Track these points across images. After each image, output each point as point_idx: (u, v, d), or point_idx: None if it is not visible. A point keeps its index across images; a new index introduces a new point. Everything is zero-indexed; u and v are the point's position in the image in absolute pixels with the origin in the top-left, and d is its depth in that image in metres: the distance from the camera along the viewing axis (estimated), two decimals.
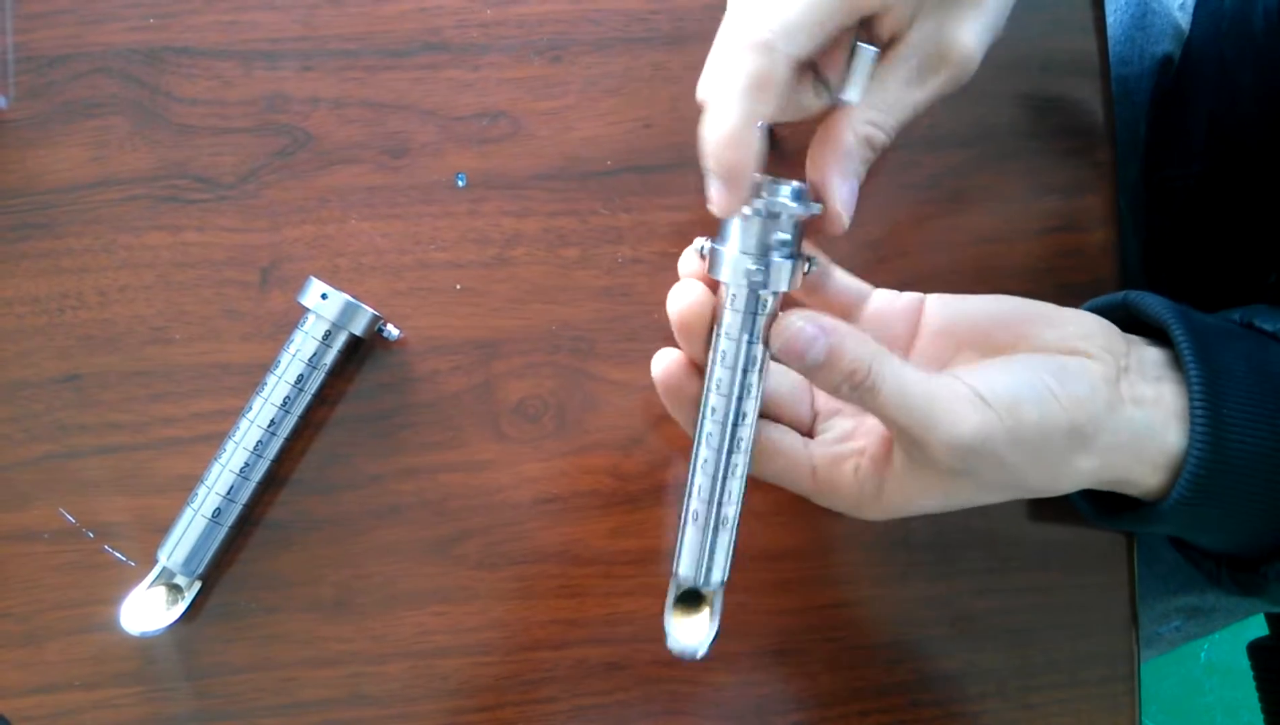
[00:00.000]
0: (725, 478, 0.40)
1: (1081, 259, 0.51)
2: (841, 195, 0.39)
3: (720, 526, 0.41)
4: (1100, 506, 0.46)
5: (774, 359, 0.39)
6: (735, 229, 0.38)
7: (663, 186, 0.50)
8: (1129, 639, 0.49)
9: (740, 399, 0.39)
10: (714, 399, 0.40)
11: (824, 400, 0.45)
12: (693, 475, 0.41)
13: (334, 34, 0.50)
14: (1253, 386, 0.40)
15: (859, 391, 0.37)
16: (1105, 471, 0.40)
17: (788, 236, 0.38)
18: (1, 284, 0.49)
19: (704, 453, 0.40)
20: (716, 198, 0.36)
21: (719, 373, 0.39)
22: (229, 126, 0.49)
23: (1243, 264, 0.68)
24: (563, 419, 0.49)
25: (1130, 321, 0.44)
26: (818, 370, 0.37)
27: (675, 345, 0.40)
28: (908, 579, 0.49)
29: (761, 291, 0.38)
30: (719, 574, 0.41)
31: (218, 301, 0.49)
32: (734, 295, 0.39)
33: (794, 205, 0.37)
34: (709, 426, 0.40)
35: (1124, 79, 0.71)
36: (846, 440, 0.43)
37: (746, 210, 0.37)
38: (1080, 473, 0.39)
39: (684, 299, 0.39)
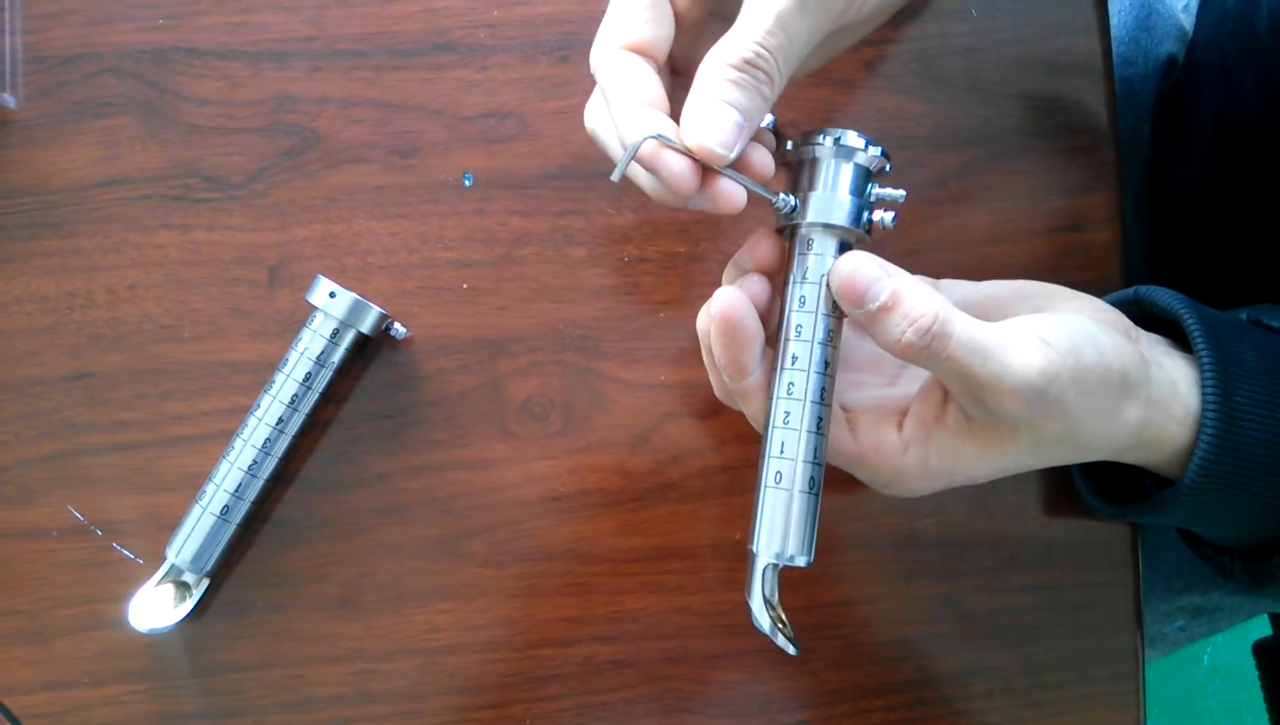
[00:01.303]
0: (809, 433, 0.37)
1: (1086, 258, 0.51)
2: (692, 124, 0.35)
3: (809, 490, 0.37)
4: (1109, 497, 0.46)
5: (837, 298, 0.37)
6: (816, 171, 0.38)
7: None
8: (1134, 637, 0.49)
9: (823, 345, 0.37)
10: (795, 347, 0.37)
11: (842, 376, 0.44)
12: (769, 435, 0.37)
13: (342, 34, 0.50)
14: (1263, 376, 0.40)
15: (927, 337, 0.35)
16: (1145, 427, 0.39)
17: (861, 180, 0.37)
18: (11, 282, 0.49)
19: (784, 407, 0.37)
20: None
21: (798, 319, 0.37)
22: (237, 126, 0.50)
23: (1247, 265, 0.68)
24: (569, 417, 0.49)
25: (1139, 320, 0.44)
26: (881, 314, 0.35)
27: (684, 345, 0.40)
28: (914, 578, 0.49)
29: (844, 232, 0.37)
30: (810, 545, 0.37)
31: (226, 300, 0.49)
32: (811, 239, 0.37)
33: (856, 141, 0.37)
34: (789, 377, 0.37)
35: (1128, 80, 0.71)
36: (880, 406, 0.41)
37: (813, 151, 0.37)
38: (1127, 423, 0.39)
39: (731, 299, 0.37)
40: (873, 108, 0.51)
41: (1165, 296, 0.43)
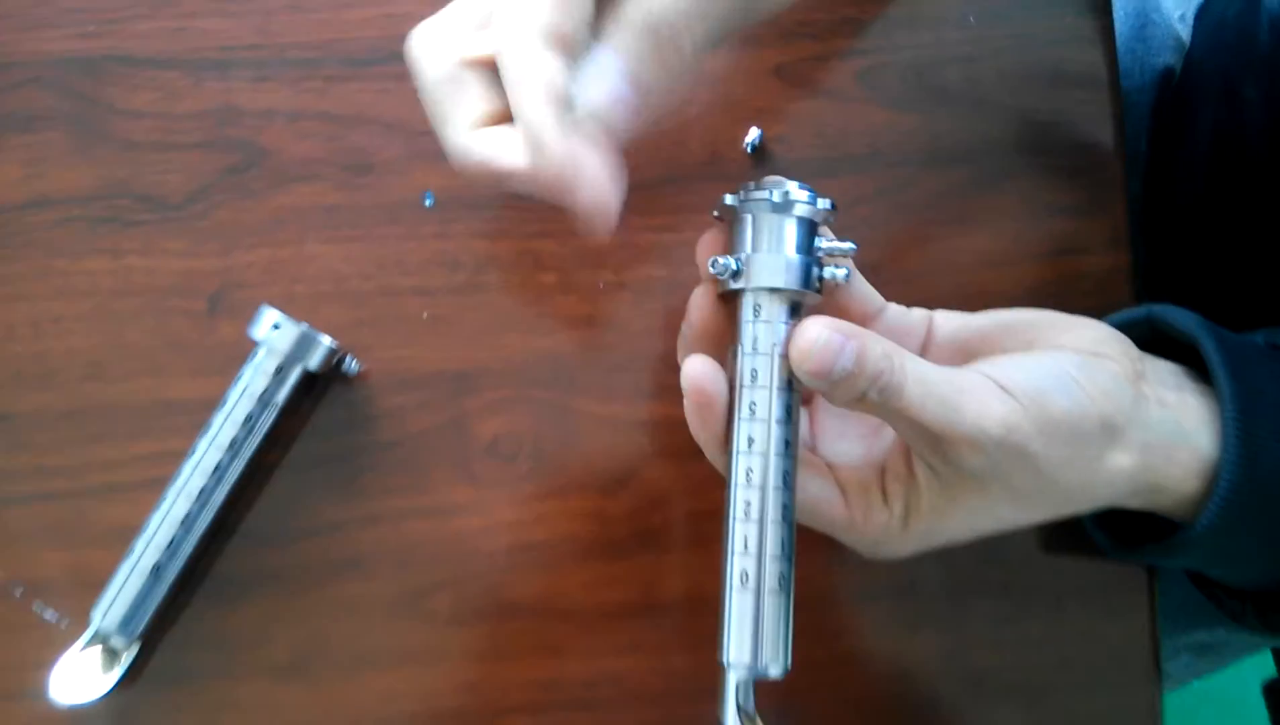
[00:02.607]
0: (774, 524, 0.34)
1: (1091, 283, 0.48)
2: (599, 86, 0.32)
3: (779, 588, 0.34)
4: (1120, 538, 0.43)
5: (801, 376, 0.34)
6: (754, 230, 0.34)
7: (649, 205, 0.46)
8: (1150, 692, 0.46)
9: (782, 424, 0.34)
10: (749, 428, 0.34)
11: (820, 430, 0.41)
12: (730, 528, 0.34)
13: (292, 42, 0.46)
14: None
15: (885, 394, 0.33)
16: (1141, 473, 0.37)
17: (807, 235, 0.34)
18: None
19: (743, 495, 0.34)
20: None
21: (751, 396, 0.34)
22: (176, 142, 0.46)
23: (1251, 284, 0.66)
24: (540, 459, 0.45)
25: (1149, 343, 0.41)
26: (844, 381, 0.33)
27: (666, 378, 0.37)
28: (917, 630, 0.45)
29: (792, 293, 0.34)
30: (785, 652, 0.34)
31: (162, 333, 0.45)
32: (759, 305, 0.34)
33: (800, 194, 0.34)
34: (746, 462, 0.34)
35: (1124, 92, 0.69)
36: (864, 465, 0.39)
37: (753, 208, 0.34)
38: (1115, 472, 0.36)
39: (700, 369, 0.35)
40: (863, 122, 0.48)
41: (1182, 318, 0.41)
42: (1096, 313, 0.46)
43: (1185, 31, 0.72)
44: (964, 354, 0.39)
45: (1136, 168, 0.71)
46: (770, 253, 0.34)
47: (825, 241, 0.35)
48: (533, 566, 0.45)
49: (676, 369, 0.45)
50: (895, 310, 0.41)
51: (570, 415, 0.45)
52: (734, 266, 0.34)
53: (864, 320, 0.40)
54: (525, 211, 0.46)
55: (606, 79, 0.32)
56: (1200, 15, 0.71)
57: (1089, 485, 0.36)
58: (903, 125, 0.48)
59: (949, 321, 0.41)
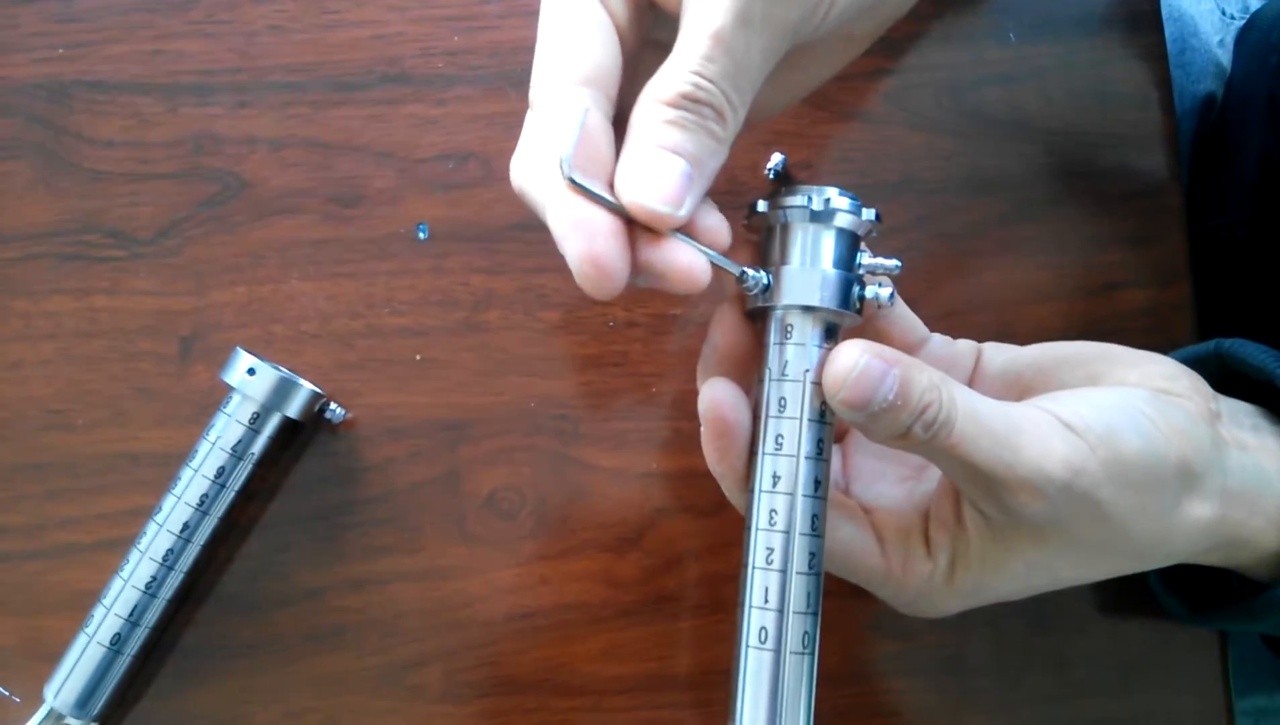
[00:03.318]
0: (800, 574, 0.29)
1: (1152, 320, 0.44)
2: (628, 178, 0.27)
3: (802, 649, 0.29)
4: (1189, 599, 0.39)
5: (835, 407, 0.30)
6: (790, 241, 0.30)
7: None
8: None
9: (812, 460, 0.30)
10: (774, 464, 0.30)
11: (854, 471, 0.37)
12: (749, 578, 0.30)
13: (275, 64, 0.43)
14: None
15: (932, 430, 0.29)
16: (1220, 526, 0.33)
17: (848, 249, 0.30)
18: None
19: (765, 540, 0.29)
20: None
21: (777, 427, 0.30)
22: (149, 172, 0.42)
23: None
24: (543, 515, 0.41)
25: (1218, 380, 0.37)
26: (887, 412, 0.29)
27: (681, 425, 0.33)
28: (963, 711, 0.41)
29: (828, 313, 0.30)
30: (807, 723, 0.29)
31: (129, 378, 0.41)
32: (790, 325, 0.30)
33: (841, 201, 0.30)
34: (770, 503, 0.30)
35: None
36: (905, 510, 0.35)
37: (788, 216, 0.30)
38: (1193, 523, 0.32)
39: (720, 394, 0.31)
40: (896, 146, 0.44)
41: (1255, 352, 0.37)
42: (1155, 350, 0.42)
43: (1225, 57, 0.69)
44: (1017, 390, 0.36)
45: (1183, 199, 0.67)
46: (805, 267, 0.30)
47: (867, 257, 0.31)
48: (534, 636, 0.40)
49: (693, 415, 0.41)
50: (939, 341, 0.37)
51: (576, 467, 0.41)
52: (765, 280, 0.30)
53: (906, 350, 0.36)
54: (527, 245, 0.42)
55: (652, 164, 0.28)
56: (1241, 39, 0.67)
57: (1163, 538, 0.32)
58: (938, 149, 0.44)
59: (999, 354, 0.37)
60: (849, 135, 0.44)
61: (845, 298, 0.30)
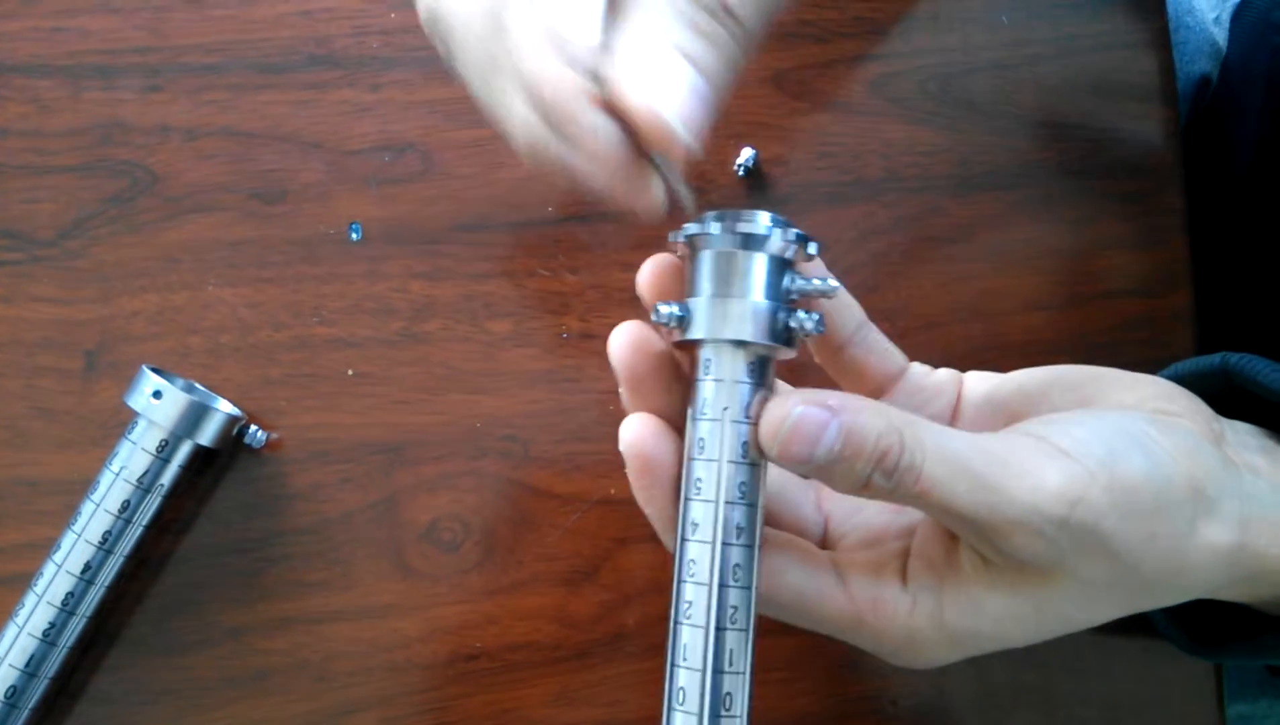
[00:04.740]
0: (723, 629, 0.27)
1: (1151, 331, 0.41)
2: (648, 79, 0.24)
3: (721, 708, 0.27)
4: (1196, 635, 0.37)
5: (774, 462, 0.27)
6: (706, 269, 0.27)
7: (620, 239, 0.39)
8: None
9: (733, 505, 0.27)
10: (694, 510, 0.27)
11: (835, 497, 0.34)
12: (675, 631, 0.27)
13: (190, 44, 0.39)
14: None
15: (896, 478, 0.26)
16: (1240, 555, 0.30)
17: (772, 276, 0.27)
18: None
19: (688, 593, 0.27)
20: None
21: (697, 470, 0.27)
22: (48, 165, 0.38)
23: None
24: (489, 547, 0.38)
25: (1223, 395, 0.35)
26: (836, 466, 0.26)
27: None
28: None
29: (752, 346, 0.27)
30: None
31: (28, 396, 0.37)
32: (708, 359, 0.27)
33: (770, 228, 0.27)
34: (689, 552, 0.27)
35: None
36: (878, 543, 0.32)
37: (708, 242, 0.27)
38: (1211, 554, 0.29)
39: (640, 430, 0.28)
40: (878, 140, 0.40)
41: (1266, 370, 0.34)
42: (1155, 364, 0.39)
43: (1221, 36, 0.66)
44: (1003, 419, 0.33)
45: (1187, 200, 0.65)
46: (718, 297, 0.27)
47: (798, 280, 0.27)
48: (479, 679, 0.37)
49: None
50: (918, 371, 0.34)
51: (525, 493, 0.38)
52: (678, 312, 0.27)
53: (883, 382, 0.33)
54: (471, 247, 0.38)
55: (669, 72, 0.24)
56: (1237, 17, 0.64)
57: (1178, 570, 0.29)
58: (924, 144, 0.40)
59: (982, 382, 0.34)
60: (828, 127, 0.40)
61: (771, 328, 0.27)
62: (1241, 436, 0.33)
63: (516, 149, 0.26)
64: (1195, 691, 0.39)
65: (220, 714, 0.36)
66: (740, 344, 0.27)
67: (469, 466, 0.38)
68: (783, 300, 0.27)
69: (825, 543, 0.33)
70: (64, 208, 0.38)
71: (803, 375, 0.36)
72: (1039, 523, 0.26)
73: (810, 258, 0.28)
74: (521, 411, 0.38)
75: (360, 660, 0.37)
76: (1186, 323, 0.41)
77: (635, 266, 0.38)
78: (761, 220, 0.27)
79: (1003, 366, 0.38)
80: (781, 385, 0.30)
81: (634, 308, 0.39)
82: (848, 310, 0.31)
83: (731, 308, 0.27)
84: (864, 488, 0.26)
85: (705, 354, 0.27)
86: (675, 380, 0.29)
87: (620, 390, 0.29)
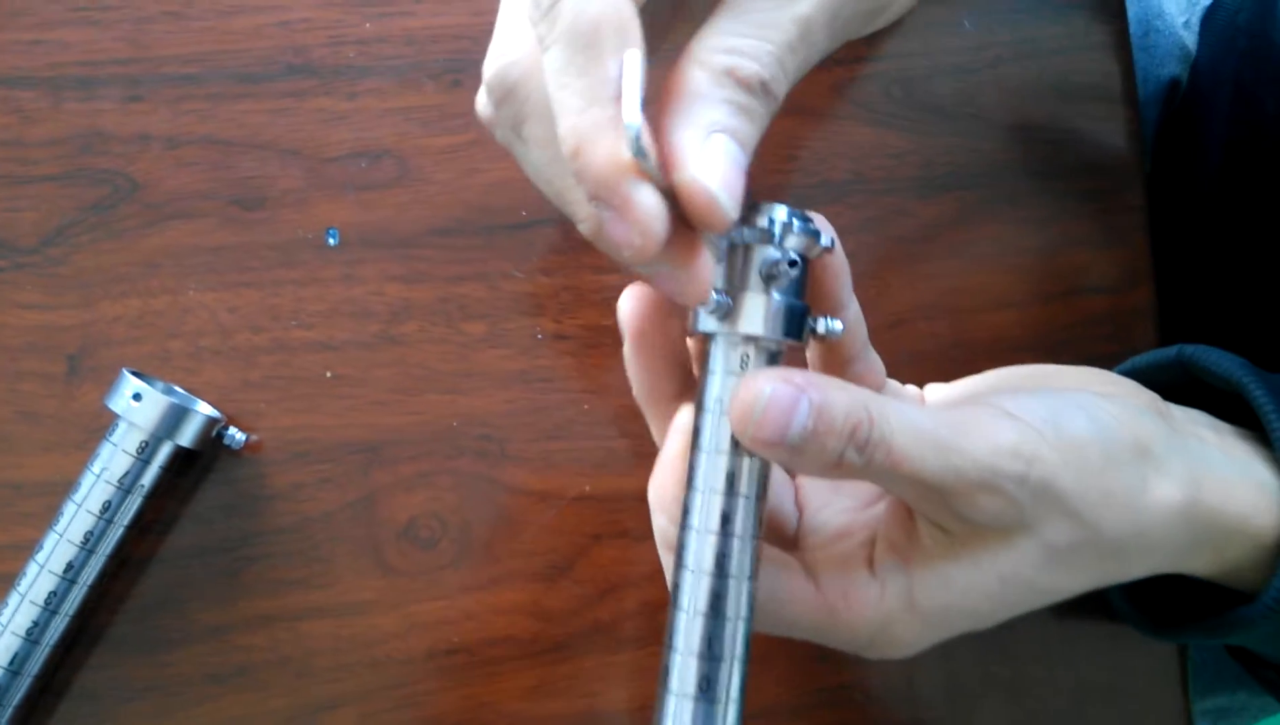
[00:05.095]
0: (699, 615, 0.27)
1: (1112, 327, 0.42)
2: (695, 156, 0.24)
3: (729, 700, 0.27)
4: (1156, 617, 0.37)
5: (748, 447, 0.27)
6: (740, 264, 0.28)
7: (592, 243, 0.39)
8: None
9: (722, 495, 0.27)
10: (687, 498, 0.28)
11: (808, 495, 0.34)
12: (684, 625, 0.27)
13: (169, 54, 0.39)
14: None
15: (868, 453, 0.26)
16: (1196, 511, 0.30)
17: (789, 269, 0.27)
18: None
19: (675, 578, 0.27)
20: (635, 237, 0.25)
21: (693, 460, 0.28)
22: (29, 174, 0.39)
23: (1270, 308, 0.60)
24: (466, 544, 0.38)
25: (1181, 388, 0.36)
26: (809, 444, 0.26)
27: (614, 445, 0.29)
28: None
29: (758, 340, 0.27)
30: None
31: (11, 401, 0.38)
32: (712, 351, 0.27)
33: (785, 219, 0.27)
34: (683, 539, 0.28)
35: None
36: (843, 539, 0.32)
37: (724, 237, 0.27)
38: (1166, 510, 0.30)
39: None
40: (844, 142, 0.41)
41: (1221, 360, 0.35)
42: (1115, 357, 0.40)
43: (1191, 39, 0.66)
44: None
45: (1148, 198, 0.66)
46: (741, 291, 0.27)
47: (814, 322, 0.28)
48: (457, 674, 0.38)
49: (628, 433, 0.39)
50: (893, 386, 0.35)
51: (502, 491, 0.39)
52: (717, 300, 0.27)
53: None
54: (446, 251, 0.39)
55: (713, 149, 0.24)
56: (1206, 20, 0.65)
57: (1138, 529, 0.30)
58: (889, 146, 0.41)
59: (939, 392, 0.35)
60: (794, 130, 0.41)
61: (793, 329, 0.27)
62: (1190, 415, 0.34)
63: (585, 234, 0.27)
64: (1160, 679, 0.40)
65: (202, 710, 0.37)
66: (759, 340, 0.27)
67: (446, 465, 0.39)
68: (792, 287, 0.27)
69: (796, 541, 0.33)
70: (46, 216, 0.38)
71: None
72: (1001, 481, 0.27)
73: (828, 250, 0.28)
74: (497, 411, 0.39)
75: (339, 656, 0.37)
76: (1149, 319, 0.42)
77: (606, 269, 0.40)
78: (779, 215, 0.27)
79: (965, 362, 0.39)
80: None
81: (605, 311, 0.40)
82: (860, 329, 0.32)
83: (766, 305, 0.27)
84: (836, 466, 0.26)
85: (710, 347, 0.27)
86: (676, 351, 0.30)
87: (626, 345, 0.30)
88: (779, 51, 0.26)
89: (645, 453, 0.39)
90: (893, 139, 0.41)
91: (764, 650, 0.39)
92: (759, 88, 0.25)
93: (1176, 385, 0.35)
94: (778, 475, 0.33)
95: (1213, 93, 0.62)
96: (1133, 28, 0.67)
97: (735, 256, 0.27)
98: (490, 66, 0.27)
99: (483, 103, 0.29)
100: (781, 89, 0.26)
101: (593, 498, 0.39)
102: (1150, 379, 0.35)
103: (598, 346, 0.39)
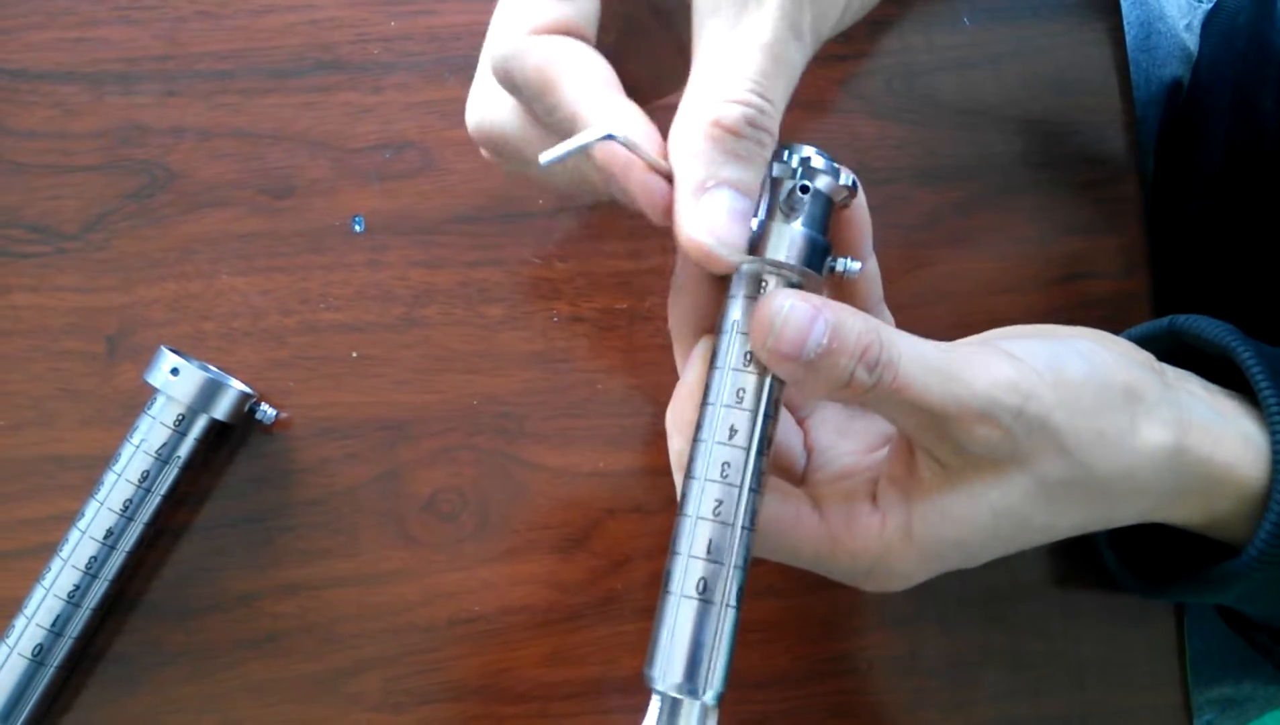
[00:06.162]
0: (701, 519, 0.28)
1: (1109, 311, 0.43)
2: (688, 215, 0.26)
3: (725, 604, 0.27)
4: (1147, 574, 0.38)
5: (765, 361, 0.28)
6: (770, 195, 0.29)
7: (607, 229, 0.41)
8: None
9: (731, 409, 0.28)
10: (703, 414, 0.29)
11: (816, 437, 0.36)
12: (687, 529, 0.28)
13: (204, 51, 0.41)
14: None
15: (876, 374, 0.27)
16: (1184, 458, 0.31)
17: (802, 195, 0.28)
18: None
19: (713, 492, 0.28)
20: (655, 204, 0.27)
21: (710, 378, 0.29)
22: (73, 164, 0.41)
23: (1270, 305, 0.61)
24: (486, 517, 0.40)
25: (1171, 358, 0.36)
26: (823, 361, 0.27)
27: (627, 423, 0.31)
28: (916, 709, 0.40)
29: (780, 267, 0.28)
30: (721, 678, 0.28)
31: (54, 378, 0.40)
32: (735, 278, 0.29)
33: (808, 156, 0.28)
34: (718, 453, 0.28)
35: None
36: (850, 476, 0.33)
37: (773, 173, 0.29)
38: (1155, 452, 0.31)
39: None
40: (848, 134, 0.43)
41: (1210, 327, 0.36)
42: None
43: (1192, 41, 0.68)
44: None
45: (1144, 185, 0.66)
46: (773, 221, 0.28)
47: (833, 261, 0.30)
48: (477, 641, 0.39)
49: (640, 412, 0.41)
50: None
51: (520, 466, 0.40)
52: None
53: None
54: (467, 238, 0.41)
55: (713, 203, 0.26)
56: (1208, 23, 0.67)
57: (1128, 471, 0.30)
58: (892, 138, 0.43)
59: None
60: (799, 123, 0.43)
61: (813, 260, 0.28)
62: (1181, 374, 0.35)
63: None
64: (1159, 651, 0.41)
65: (232, 674, 0.39)
66: (776, 266, 0.28)
67: (466, 442, 0.40)
68: (813, 220, 0.29)
69: (800, 481, 0.34)
70: (87, 203, 0.40)
71: None
72: (998, 412, 0.28)
73: (853, 193, 0.30)
74: (515, 390, 0.41)
75: (364, 624, 0.39)
76: (1144, 304, 0.43)
77: (620, 255, 0.41)
78: (805, 151, 0.28)
79: None
80: None
81: (618, 294, 0.41)
82: (877, 285, 0.34)
83: (774, 232, 0.28)
84: (846, 387, 0.27)
85: (741, 272, 0.28)
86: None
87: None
88: (757, 85, 0.27)
89: (657, 431, 0.40)
90: (894, 130, 0.43)
91: (769, 620, 0.40)
92: (746, 128, 0.26)
93: (1168, 354, 0.36)
94: (787, 422, 0.35)
95: (1214, 94, 0.63)
96: (1134, 30, 0.69)
97: (763, 191, 0.29)
98: (469, 119, 0.30)
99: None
100: (772, 117, 0.27)
101: (607, 473, 0.40)
102: (1144, 348, 0.36)
103: (612, 329, 0.41)
